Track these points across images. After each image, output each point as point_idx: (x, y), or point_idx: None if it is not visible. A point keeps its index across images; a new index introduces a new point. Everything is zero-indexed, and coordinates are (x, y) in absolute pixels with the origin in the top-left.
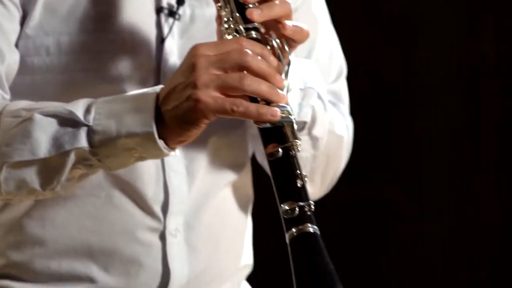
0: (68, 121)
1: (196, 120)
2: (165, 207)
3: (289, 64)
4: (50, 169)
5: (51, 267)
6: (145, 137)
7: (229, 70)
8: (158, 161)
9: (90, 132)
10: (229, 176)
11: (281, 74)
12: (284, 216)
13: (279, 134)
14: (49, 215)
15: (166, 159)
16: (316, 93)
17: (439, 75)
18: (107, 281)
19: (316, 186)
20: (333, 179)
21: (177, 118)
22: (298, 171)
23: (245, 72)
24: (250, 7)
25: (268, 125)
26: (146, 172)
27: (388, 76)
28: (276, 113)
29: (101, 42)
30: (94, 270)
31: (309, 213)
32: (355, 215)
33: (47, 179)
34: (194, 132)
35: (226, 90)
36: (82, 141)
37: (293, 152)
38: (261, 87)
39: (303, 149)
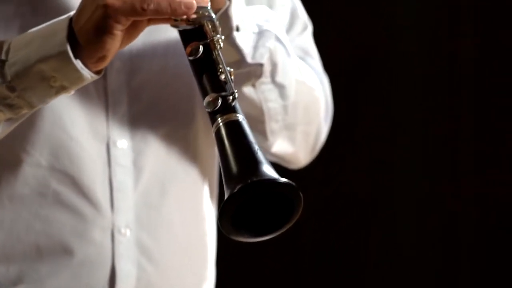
0: None
1: (108, 28)
2: (112, 204)
3: None
4: None
5: None
6: (59, 58)
7: None
8: (104, 154)
9: (5, 67)
10: (187, 171)
11: None
12: (208, 110)
13: (199, 33)
14: None
15: (112, 153)
16: (273, 35)
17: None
18: (57, 284)
19: (300, 148)
20: (317, 142)
21: (89, 31)
22: (220, 66)
23: None
24: None
25: (187, 27)
26: (91, 166)
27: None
28: (191, 4)
29: None
30: (43, 273)
31: (233, 103)
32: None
33: None
34: (110, 44)
35: None
36: None
37: (216, 48)
38: None
39: (271, 99)
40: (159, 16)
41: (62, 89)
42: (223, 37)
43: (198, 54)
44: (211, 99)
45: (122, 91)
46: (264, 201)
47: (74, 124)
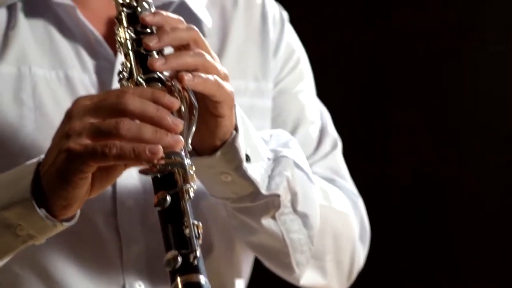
0: None
1: (70, 174)
2: None
3: (194, 116)
4: None
5: None
6: (23, 205)
7: (107, 116)
8: None
9: None
10: None
11: (184, 126)
12: (168, 269)
13: (169, 181)
14: None
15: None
16: (292, 162)
17: None
18: None
19: (333, 277)
20: (352, 268)
21: (52, 176)
22: (186, 218)
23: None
24: (154, 57)
25: (156, 174)
26: None
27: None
28: (156, 149)
29: None
30: None
31: (195, 262)
32: None
33: None
34: (72, 192)
35: (101, 137)
36: None
37: (183, 199)
38: (144, 131)
39: (294, 230)
40: (123, 161)
41: (29, 238)
42: (194, 187)
43: (165, 204)
44: (171, 257)
45: (136, 229)
46: None
47: (82, 274)
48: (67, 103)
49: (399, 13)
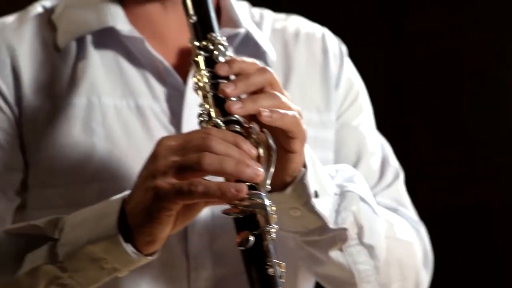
0: (35, 237)
1: (156, 212)
2: None
3: (272, 157)
4: None
5: None
6: (110, 241)
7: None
8: None
9: (57, 246)
10: None
11: (263, 169)
12: None
13: (251, 222)
14: None
15: None
16: (357, 196)
17: None
18: None
19: None
20: None
21: (139, 214)
22: (269, 259)
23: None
24: (231, 100)
25: (239, 214)
26: None
27: None
28: (241, 187)
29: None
30: None
31: None
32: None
33: None
34: (157, 229)
35: (185, 173)
36: (48, 256)
37: (266, 240)
38: (226, 164)
39: (361, 261)
40: (208, 199)
41: (114, 270)
42: (276, 227)
43: (247, 245)
44: None
45: (205, 254)
46: None
47: None
48: (137, 131)
49: (399, 13)
